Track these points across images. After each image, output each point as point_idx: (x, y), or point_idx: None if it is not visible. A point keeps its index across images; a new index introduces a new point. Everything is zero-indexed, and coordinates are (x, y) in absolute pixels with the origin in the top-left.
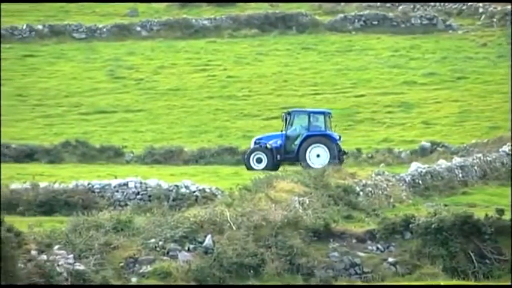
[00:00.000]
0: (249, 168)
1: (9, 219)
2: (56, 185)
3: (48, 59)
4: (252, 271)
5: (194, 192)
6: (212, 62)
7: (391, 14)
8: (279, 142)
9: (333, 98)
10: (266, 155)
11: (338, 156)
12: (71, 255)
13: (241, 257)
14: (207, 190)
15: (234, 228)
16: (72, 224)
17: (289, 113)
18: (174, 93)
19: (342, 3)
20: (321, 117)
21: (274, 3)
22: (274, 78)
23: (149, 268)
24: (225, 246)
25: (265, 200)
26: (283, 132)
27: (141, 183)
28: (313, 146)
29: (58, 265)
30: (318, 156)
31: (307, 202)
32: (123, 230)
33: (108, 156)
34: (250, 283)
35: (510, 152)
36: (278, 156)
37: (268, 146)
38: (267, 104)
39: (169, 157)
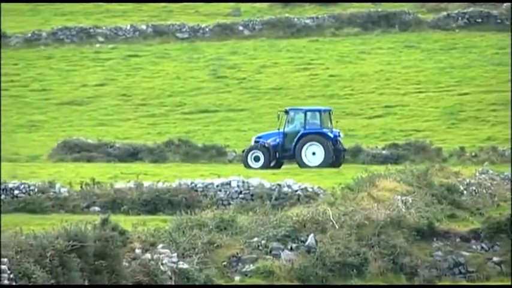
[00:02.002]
0: (247, 166)
1: (113, 218)
2: (160, 184)
3: (152, 59)
4: (354, 270)
5: (296, 191)
6: (314, 61)
7: (495, 12)
8: (278, 140)
9: (437, 96)
10: (263, 153)
11: (337, 153)
12: (175, 254)
13: (344, 256)
14: (309, 189)
15: (336, 227)
16: (176, 223)
17: (287, 111)
18: (276, 92)
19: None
20: (318, 115)
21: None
22: (376, 77)
23: (252, 267)
24: (328, 246)
25: (368, 199)
26: (281, 130)
27: (243, 182)
28: (308, 144)
29: (162, 264)
30: (314, 154)
31: (410, 201)
32: (226, 229)
33: (211, 155)
34: (353, 282)
35: None
36: (277, 155)
37: (266, 144)
38: (369, 103)
39: None
